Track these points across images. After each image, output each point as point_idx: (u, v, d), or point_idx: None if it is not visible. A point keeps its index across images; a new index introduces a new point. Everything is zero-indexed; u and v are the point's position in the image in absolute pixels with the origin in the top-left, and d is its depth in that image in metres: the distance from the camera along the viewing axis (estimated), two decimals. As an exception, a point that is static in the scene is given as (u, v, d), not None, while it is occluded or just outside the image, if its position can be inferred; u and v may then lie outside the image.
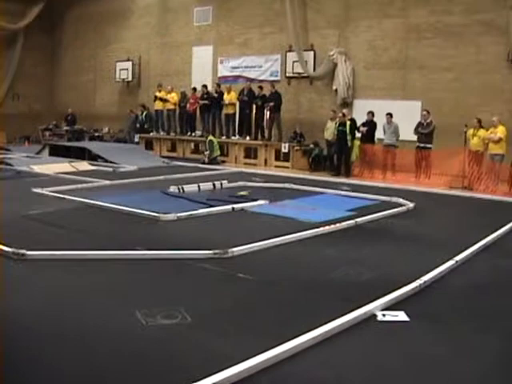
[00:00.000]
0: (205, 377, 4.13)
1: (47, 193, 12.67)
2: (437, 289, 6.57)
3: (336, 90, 20.04)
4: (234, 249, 7.62)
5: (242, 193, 11.46)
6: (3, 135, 29.41)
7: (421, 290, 6.42)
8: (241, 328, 5.32)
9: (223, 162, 20.07)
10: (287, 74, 21.41)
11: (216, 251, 7.46)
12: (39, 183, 14.12)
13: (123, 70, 27.11)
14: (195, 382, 4.06)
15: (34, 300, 5.97)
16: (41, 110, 31.47)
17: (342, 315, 5.40)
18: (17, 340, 4.94)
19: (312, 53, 20.71)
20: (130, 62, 26.90)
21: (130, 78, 26.93)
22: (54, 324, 5.30)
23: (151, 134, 24.14)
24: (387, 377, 4.49)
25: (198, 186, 13.18)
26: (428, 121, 16.68)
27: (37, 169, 17.13)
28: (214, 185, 13.52)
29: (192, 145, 22.66)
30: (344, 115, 17.80)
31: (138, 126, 24.75)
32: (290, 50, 21.03)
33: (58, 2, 30.58)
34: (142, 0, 27.05)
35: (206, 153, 19.85)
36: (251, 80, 22.01)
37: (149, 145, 23.73)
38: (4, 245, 7.67)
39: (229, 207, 10.89)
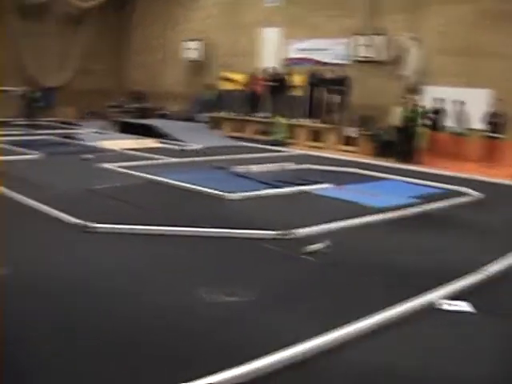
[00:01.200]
0: (265, 355, 4.20)
1: (114, 168, 12.95)
2: (503, 281, 6.47)
3: (405, 76, 19.75)
4: (297, 230, 7.66)
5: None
6: (74, 110, 30.07)
7: (486, 281, 6.30)
8: (301, 309, 5.36)
9: (289, 144, 20.04)
10: (356, 58, 21.19)
11: (279, 232, 7.50)
12: (107, 158, 14.43)
13: (192, 49, 27.27)
14: (255, 358, 4.14)
15: (97, 273, 6.13)
16: (111, 87, 31.96)
17: (403, 302, 5.38)
18: (78, 313, 5.09)
19: (381, 37, 20.42)
20: (199, 42, 27.03)
21: (197, 57, 27.09)
22: (116, 297, 5.46)
23: (219, 113, 24.27)
24: (444, 366, 4.45)
25: (264, 167, 13.23)
26: (500, 110, 16.31)
27: (105, 144, 17.47)
28: (280, 166, 13.54)
29: (259, 126, 22.68)
30: (413, 101, 17.55)
31: (204, 105, 24.93)
32: (359, 34, 20.78)
33: (130, -20, 30.98)
34: (213, -20, 27.14)
35: (274, 135, 19.85)
36: (319, 63, 21.86)
37: (216, 124, 23.85)
38: (73, 217, 7.91)
39: (294, 189, 10.92)
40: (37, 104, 24.21)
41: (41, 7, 29.72)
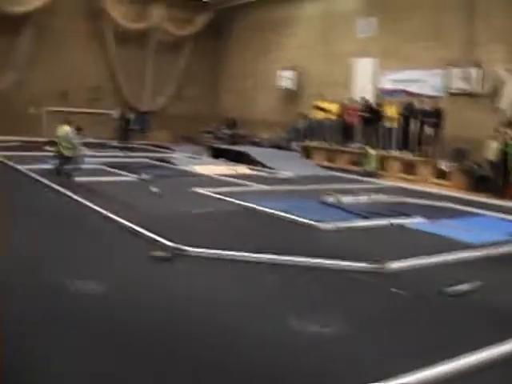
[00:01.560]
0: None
1: (207, 193, 13.21)
2: None
3: (501, 109, 19.33)
4: (391, 263, 7.60)
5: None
6: (167, 135, 30.78)
7: None
8: (391, 343, 5.33)
9: (381, 175, 19.90)
10: (450, 90, 20.90)
11: (373, 264, 7.47)
12: (200, 183, 14.72)
13: (285, 77, 27.54)
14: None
15: (189, 295, 6.28)
16: (204, 113, 32.61)
17: (501, 344, 5.21)
18: (169, 337, 5.20)
19: (477, 69, 20.09)
20: (292, 71, 27.27)
21: (291, 86, 27.30)
22: (207, 321, 5.56)
23: (310, 143, 24.36)
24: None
25: (356, 198, 13.20)
26: None
27: (198, 169, 17.81)
28: (371, 197, 13.46)
29: (350, 156, 22.63)
30: (509, 135, 17.15)
31: (296, 134, 25.09)
32: (453, 66, 20.51)
33: (226, 10, 31.62)
34: (307, 10, 27.37)
35: (365, 166, 19.77)
36: (412, 94, 21.66)
37: (307, 153, 23.95)
38: (166, 239, 8.11)
39: (386, 221, 10.84)
40: (131, 127, 24.85)
41: (139, 34, 30.70)
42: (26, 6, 27.26)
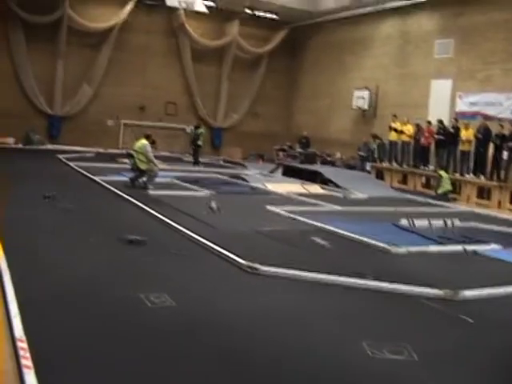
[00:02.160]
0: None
1: (280, 211, 13.23)
2: None
3: None
4: (465, 291, 7.46)
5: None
6: (240, 151, 31.05)
7: None
8: (461, 373, 5.23)
9: (454, 199, 19.57)
10: (530, 114, 20.46)
11: (446, 291, 7.35)
12: (272, 201, 14.80)
13: (360, 98, 27.43)
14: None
15: (260, 315, 6.30)
16: (277, 131, 32.81)
17: None
18: (241, 355, 5.25)
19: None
20: (367, 91, 27.15)
21: (365, 107, 27.18)
22: (278, 343, 5.55)
23: (383, 164, 24.19)
24: None
25: (429, 222, 13.00)
26: None
27: (270, 187, 17.89)
28: (445, 222, 13.25)
29: (424, 179, 22.34)
30: None
31: (370, 154, 24.95)
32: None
33: (302, 29, 31.81)
34: (383, 30, 27.26)
35: (439, 189, 19.46)
36: (490, 118, 21.26)
37: (380, 174, 23.78)
38: (239, 257, 8.17)
39: (460, 247, 10.63)
40: (199, 143, 25.04)
41: (215, 51, 31.17)
42: (106, 23, 28.03)
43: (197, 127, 25.72)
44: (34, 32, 26.65)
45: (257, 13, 29.68)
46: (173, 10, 28.88)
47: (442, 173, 19.70)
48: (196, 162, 24.69)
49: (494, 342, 6.16)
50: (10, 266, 6.89)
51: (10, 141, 26.52)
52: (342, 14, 27.82)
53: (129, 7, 28.46)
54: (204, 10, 27.60)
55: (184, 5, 26.69)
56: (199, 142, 24.95)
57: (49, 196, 12.57)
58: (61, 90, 27.98)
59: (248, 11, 29.77)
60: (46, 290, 6.43)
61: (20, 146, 26.49)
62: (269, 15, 30.27)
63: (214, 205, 12.63)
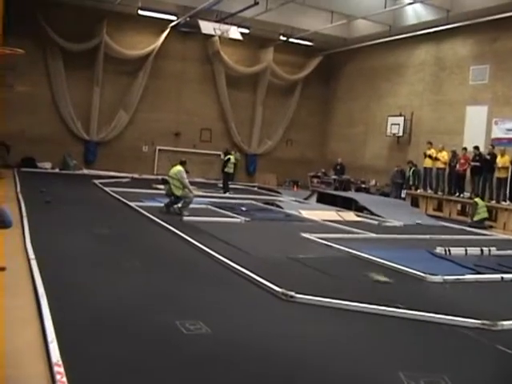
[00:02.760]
0: None
1: (314, 238, 13.20)
2: None
3: None
4: (504, 322, 7.34)
5: None
6: (275, 178, 31.12)
7: None
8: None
9: (490, 227, 19.34)
10: None
11: (485, 322, 7.23)
12: (306, 228, 14.78)
13: (394, 124, 27.39)
14: None
15: (296, 342, 6.26)
16: (312, 157, 32.89)
17: None
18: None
19: None
20: (402, 118, 27.10)
21: (400, 133, 27.11)
22: (314, 370, 5.51)
23: (418, 191, 24.03)
24: None
25: (465, 250, 12.85)
26: None
27: (305, 214, 17.87)
28: (481, 250, 13.08)
29: (459, 206, 22.14)
30: None
31: (405, 181, 24.83)
32: None
33: (336, 55, 31.94)
34: (418, 57, 27.24)
35: (474, 217, 19.21)
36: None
37: (414, 201, 23.63)
38: (274, 284, 8.15)
39: (498, 276, 10.48)
40: (232, 170, 24.80)
41: (250, 78, 31.45)
42: (142, 51, 28.46)
43: (226, 153, 25.49)
44: (72, 59, 27.16)
45: (291, 39, 29.84)
46: (208, 37, 29.19)
47: (478, 200, 19.50)
48: (225, 190, 24.29)
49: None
50: (46, 291, 6.96)
51: (48, 165, 26.96)
52: (376, 40, 27.87)
53: (164, 35, 28.84)
54: (239, 37, 27.85)
55: (219, 32, 26.96)
56: (226, 169, 24.55)
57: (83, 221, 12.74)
58: (97, 116, 28.40)
59: (282, 38, 29.96)
60: (82, 314, 6.47)
61: (57, 170, 26.90)
62: (303, 42, 30.42)
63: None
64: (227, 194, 23.28)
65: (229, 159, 24.70)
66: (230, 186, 24.70)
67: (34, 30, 26.07)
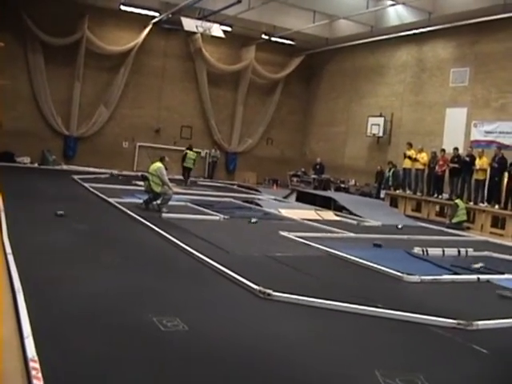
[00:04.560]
0: None
1: (293, 237, 13.22)
2: None
3: None
4: (479, 322, 7.39)
5: (477, 265, 11.16)
6: (255, 176, 31.15)
7: None
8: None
9: (468, 228, 19.48)
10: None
11: (460, 321, 7.28)
12: (285, 227, 14.80)
13: (375, 125, 27.51)
14: None
15: (271, 340, 6.26)
16: (291, 156, 32.95)
17: None
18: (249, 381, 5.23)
19: None
20: (382, 118, 27.23)
21: (380, 134, 27.25)
22: (288, 368, 5.51)
23: (397, 191, 24.15)
24: None
25: (443, 251, 12.94)
26: None
27: (284, 213, 17.89)
28: (458, 251, 13.18)
29: (437, 207, 22.29)
30: None
31: (384, 182, 24.94)
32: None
33: (318, 55, 32.03)
34: (399, 58, 27.40)
35: (455, 219, 19.30)
36: (505, 146, 21.20)
37: (393, 202, 23.74)
38: (252, 282, 8.15)
39: (474, 277, 10.55)
40: (191, 165, 25.60)
41: (231, 76, 31.44)
42: (124, 46, 28.38)
43: (188, 148, 26.48)
44: (53, 54, 27.00)
45: (273, 38, 29.87)
46: (190, 34, 29.15)
47: (459, 201, 19.56)
48: (210, 186, 25.17)
49: (507, 373, 6.10)
50: (23, 286, 6.91)
51: (27, 160, 26.77)
52: (358, 41, 27.97)
53: (146, 31, 28.76)
54: (221, 34, 27.83)
55: (201, 29, 26.91)
56: (185, 164, 25.78)
57: (61, 215, 12.67)
58: (77, 111, 28.27)
59: (265, 37, 29.97)
60: (59, 310, 6.43)
61: (36, 165, 26.71)
62: (285, 41, 30.46)
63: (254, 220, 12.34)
64: (210, 192, 23.38)
65: (186, 154, 25.73)
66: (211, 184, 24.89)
67: (14, 23, 25.90)
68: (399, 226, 17.35)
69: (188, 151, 25.98)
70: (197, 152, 27.21)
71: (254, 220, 12.66)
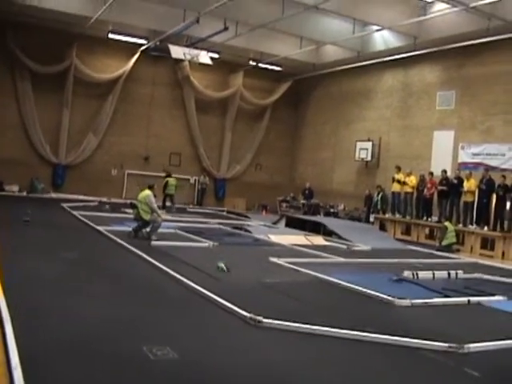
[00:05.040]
0: None
1: (283, 263, 13.18)
2: None
3: None
4: (470, 345, 7.38)
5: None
6: (244, 202, 31.15)
7: None
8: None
9: (458, 250, 19.51)
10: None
11: (451, 345, 7.27)
12: (275, 252, 14.76)
13: (363, 149, 27.63)
14: None
15: (263, 368, 6.22)
16: (280, 182, 32.98)
17: None
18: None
19: None
20: (370, 142, 27.35)
21: (369, 158, 27.36)
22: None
23: (386, 215, 24.19)
24: None
25: (433, 274, 12.94)
26: None
27: (273, 238, 17.87)
28: (449, 274, 13.19)
29: (427, 230, 22.34)
30: None
31: (373, 206, 24.99)
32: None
33: (305, 80, 32.24)
34: (386, 82, 27.61)
35: (444, 241, 19.30)
36: (493, 168, 21.33)
37: (383, 225, 23.77)
38: (242, 309, 8.11)
39: (464, 299, 10.54)
40: (172, 192, 25.87)
41: (219, 102, 31.56)
42: (112, 74, 28.49)
43: (166, 176, 26.75)
44: (41, 82, 27.07)
45: (261, 64, 30.05)
46: (178, 61, 29.30)
47: (448, 224, 19.63)
48: (200, 213, 25.14)
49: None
50: (11, 315, 6.84)
51: (15, 188, 26.67)
52: (344, 66, 28.17)
53: (134, 58, 28.88)
54: (208, 61, 27.95)
55: (189, 56, 27.04)
56: (166, 191, 26.10)
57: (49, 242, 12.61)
58: (66, 139, 28.30)
59: (252, 63, 30.16)
60: (47, 339, 6.37)
61: (24, 193, 26.62)
62: (272, 67, 30.65)
63: (222, 264, 12.10)
64: (199, 219, 23.30)
65: (167, 182, 26.13)
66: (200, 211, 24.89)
67: (2, 51, 25.98)
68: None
69: (169, 178, 26.26)
70: (176, 178, 27.40)
71: (221, 264, 12.00)
